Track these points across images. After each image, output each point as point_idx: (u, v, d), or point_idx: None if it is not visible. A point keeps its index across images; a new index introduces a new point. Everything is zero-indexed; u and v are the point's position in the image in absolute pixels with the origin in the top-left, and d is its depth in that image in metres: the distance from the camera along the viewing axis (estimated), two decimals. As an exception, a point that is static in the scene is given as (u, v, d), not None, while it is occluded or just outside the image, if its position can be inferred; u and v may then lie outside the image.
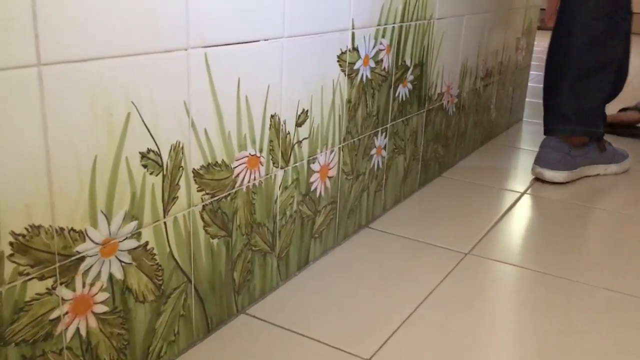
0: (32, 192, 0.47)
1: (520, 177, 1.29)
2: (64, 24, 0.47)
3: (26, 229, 0.48)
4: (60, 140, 0.49)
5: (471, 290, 0.83)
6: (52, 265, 0.50)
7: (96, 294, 0.55)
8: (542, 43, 3.37)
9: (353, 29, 0.84)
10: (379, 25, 0.90)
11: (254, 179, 0.72)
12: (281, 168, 0.76)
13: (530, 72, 1.89)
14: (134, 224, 0.57)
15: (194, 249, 0.65)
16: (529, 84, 1.87)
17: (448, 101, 1.23)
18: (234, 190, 0.69)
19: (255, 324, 0.73)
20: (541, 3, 1.74)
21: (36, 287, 0.50)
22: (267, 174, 0.74)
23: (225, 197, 0.68)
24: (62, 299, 0.52)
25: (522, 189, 1.21)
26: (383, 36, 0.92)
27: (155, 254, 0.60)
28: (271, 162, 0.74)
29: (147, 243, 0.59)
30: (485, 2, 1.30)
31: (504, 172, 1.32)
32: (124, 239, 0.56)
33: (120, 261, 0.57)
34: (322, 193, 0.87)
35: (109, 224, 0.54)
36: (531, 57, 1.76)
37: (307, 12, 0.74)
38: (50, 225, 0.49)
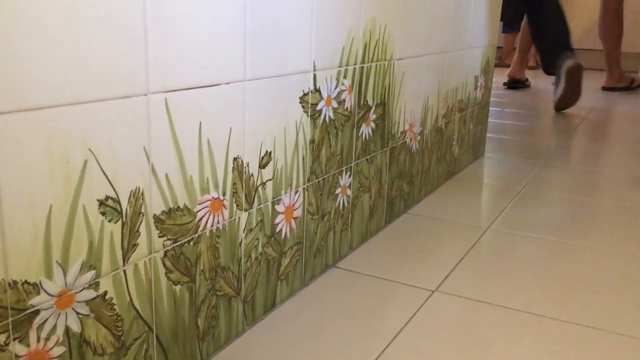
0: (-17, 245, 0.46)
1: (485, 213, 1.31)
2: (16, 72, 0.46)
3: (-24, 283, 0.46)
4: (14, 190, 0.47)
5: (439, 328, 0.82)
6: (5, 320, 0.48)
7: (52, 348, 0.53)
8: (500, 80, 3.48)
9: (315, 70, 0.85)
10: (340, 66, 0.92)
11: (218, 222, 0.71)
12: (245, 210, 0.76)
13: (490, 109, 1.93)
14: (91, 273, 0.55)
15: (156, 297, 0.64)
16: (489, 120, 1.91)
17: (411, 139, 1.25)
18: (196, 235, 0.68)
19: (221, 372, 0.71)
20: (498, 42, 1.80)
21: (-13, 344, 0.47)
22: (231, 217, 0.73)
23: (188, 242, 0.67)
24: (16, 355, 0.50)
25: (486, 225, 1.23)
26: (345, 77, 0.94)
27: (114, 304, 0.58)
28: (235, 204, 0.74)
29: (105, 293, 0.57)
30: (444, 42, 1.34)
31: (468, 207, 1.33)
32: (81, 290, 0.55)
33: (77, 313, 0.55)
34: (288, 234, 0.86)
35: (65, 274, 0.53)
36: (490, 94, 1.81)
37: (269, 55, 0.75)
38: (3, 279, 0.47)
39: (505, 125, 2.31)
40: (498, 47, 4.24)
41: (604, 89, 3.29)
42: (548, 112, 2.63)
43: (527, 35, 3.27)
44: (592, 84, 3.47)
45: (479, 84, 1.66)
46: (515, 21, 4.25)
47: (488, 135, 1.95)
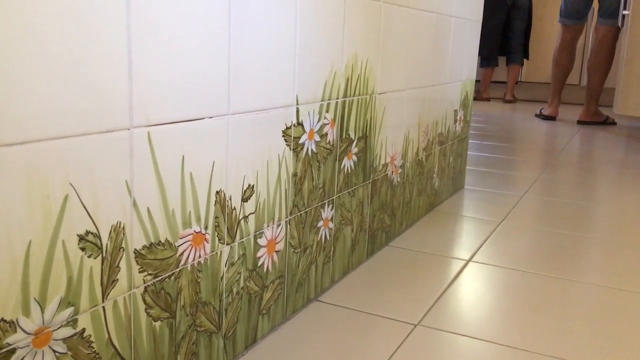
0: (-42, 282, 0.45)
1: (466, 245, 1.31)
2: (-1, 107, 0.45)
3: (-50, 322, 0.44)
4: (-8, 225, 0.46)
5: (422, 364, 0.82)
6: (-22, 360, 0.47)
7: (26, 388, 0.51)
8: (478, 112, 3.54)
9: (297, 104, 0.86)
10: (322, 100, 0.93)
11: (199, 256, 0.70)
12: (227, 244, 0.75)
13: (469, 141, 1.96)
14: (69, 310, 0.54)
15: (135, 334, 0.62)
16: (468, 153, 1.94)
17: (392, 171, 1.26)
18: (178, 270, 0.67)
19: (201, 410, 0.70)
20: (475, 76, 1.84)
21: (-41, 385, 0.46)
22: (212, 251, 0.72)
23: (169, 276, 0.66)
24: (-12, 396, 0.48)
25: (467, 257, 1.23)
26: (327, 111, 0.95)
27: (92, 342, 0.57)
28: (217, 238, 0.73)
29: (83, 330, 0.56)
30: (424, 76, 1.36)
31: (449, 239, 1.34)
32: (59, 327, 0.53)
33: (54, 351, 0.53)
34: (270, 268, 0.86)
35: (42, 312, 0.51)
36: (469, 127, 1.84)
37: (252, 90, 0.76)
38: (-23, 317, 0.46)
39: (484, 158, 2.34)
40: (476, 81, 4.33)
41: (579, 122, 3.37)
42: (527, 143, 2.67)
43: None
44: (568, 117, 3.55)
45: (458, 118, 1.69)
46: (492, 56, 4.35)
47: (468, 167, 1.97)
